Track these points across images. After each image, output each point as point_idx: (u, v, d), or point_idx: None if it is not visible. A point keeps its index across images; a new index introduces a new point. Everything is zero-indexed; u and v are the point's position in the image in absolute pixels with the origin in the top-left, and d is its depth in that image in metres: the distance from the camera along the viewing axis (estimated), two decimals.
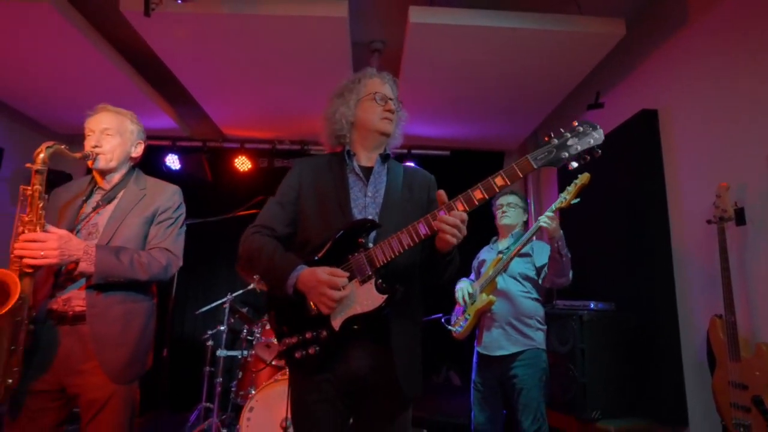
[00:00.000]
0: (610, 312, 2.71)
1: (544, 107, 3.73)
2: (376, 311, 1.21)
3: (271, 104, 3.88)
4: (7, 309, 1.27)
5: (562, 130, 1.19)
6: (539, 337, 2.33)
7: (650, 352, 2.65)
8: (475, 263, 2.63)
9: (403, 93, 3.48)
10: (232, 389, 3.40)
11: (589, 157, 1.18)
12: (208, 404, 3.45)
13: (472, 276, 2.60)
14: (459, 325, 2.47)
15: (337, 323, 1.23)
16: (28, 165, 1.41)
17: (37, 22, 2.65)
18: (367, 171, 1.44)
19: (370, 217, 1.34)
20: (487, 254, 2.58)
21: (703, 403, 2.30)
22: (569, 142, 1.17)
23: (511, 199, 2.54)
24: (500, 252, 2.45)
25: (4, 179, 4.02)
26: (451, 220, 1.16)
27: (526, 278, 2.40)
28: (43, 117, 4.13)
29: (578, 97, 3.67)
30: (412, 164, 4.60)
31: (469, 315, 2.41)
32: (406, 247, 1.21)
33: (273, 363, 3.00)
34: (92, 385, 1.47)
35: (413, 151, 4.56)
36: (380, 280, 1.23)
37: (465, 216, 1.19)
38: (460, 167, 4.47)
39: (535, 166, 1.17)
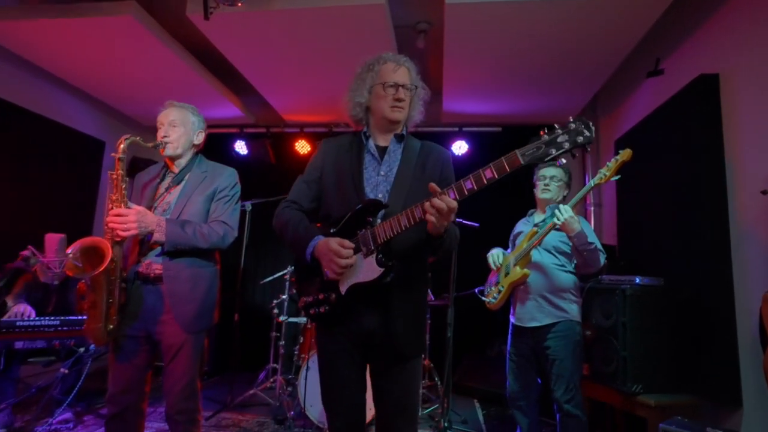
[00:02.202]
0: (657, 287, 2.64)
1: (597, 77, 3.58)
2: (375, 281, 1.38)
3: (325, 90, 4.11)
4: (102, 269, 1.61)
5: (556, 126, 1.22)
6: (573, 310, 2.35)
7: (702, 328, 2.56)
8: (511, 236, 2.67)
9: (450, 71, 3.62)
10: (295, 352, 3.77)
11: (576, 155, 1.22)
12: (274, 365, 3.87)
13: (509, 250, 2.65)
14: (492, 297, 2.53)
15: (343, 288, 1.42)
16: (112, 154, 1.75)
17: (121, 32, 3.10)
18: (383, 150, 1.56)
19: (380, 195, 1.49)
20: (523, 226, 2.60)
21: (759, 382, 2.21)
22: (559, 139, 1.21)
23: (555, 172, 2.48)
24: (536, 225, 2.48)
25: (107, 169, 4.69)
26: (438, 204, 1.24)
27: (562, 252, 2.40)
28: (133, 112, 4.74)
29: (636, 64, 3.49)
30: (463, 141, 4.57)
31: (502, 287, 2.48)
32: (404, 228, 1.34)
33: None
34: (170, 333, 1.80)
35: (464, 129, 4.58)
36: (380, 255, 1.39)
37: (453, 204, 1.25)
38: (512, 143, 4.40)
39: (522, 162, 1.21)
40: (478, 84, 3.85)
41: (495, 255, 2.54)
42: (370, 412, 1.63)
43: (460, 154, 4.53)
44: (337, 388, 1.50)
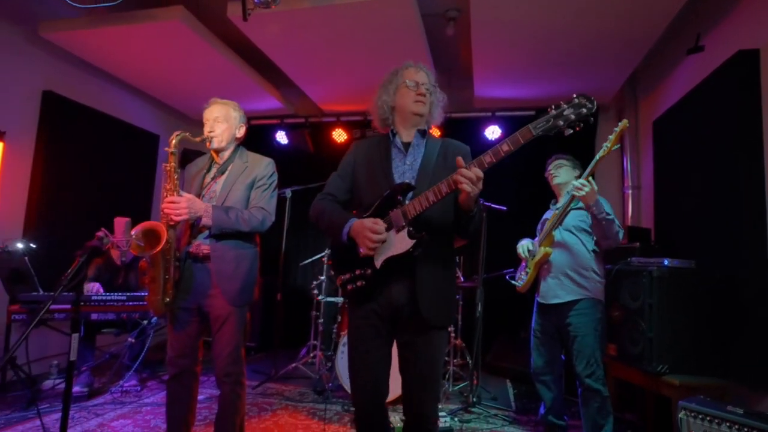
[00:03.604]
0: (687, 269, 2.62)
1: (631, 56, 3.49)
2: (407, 253, 1.53)
3: (359, 80, 4.25)
4: (160, 248, 1.86)
5: (561, 102, 1.36)
6: (595, 288, 2.40)
7: (734, 311, 2.52)
8: (539, 226, 2.74)
9: (479, 56, 3.65)
10: (334, 330, 4.01)
11: (582, 124, 1.34)
12: (314, 342, 4.14)
13: (537, 239, 2.72)
14: (521, 279, 2.64)
15: (378, 263, 1.57)
16: (165, 149, 1.98)
17: (171, 35, 3.39)
18: (407, 145, 1.72)
19: (407, 181, 1.63)
20: (549, 214, 2.68)
21: None
22: (565, 112, 1.35)
23: (557, 162, 2.61)
24: (557, 209, 2.54)
25: (162, 160, 5.12)
26: (467, 173, 1.40)
27: (582, 231, 2.46)
28: (183, 107, 5.11)
29: (676, 41, 3.39)
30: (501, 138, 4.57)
31: (529, 269, 2.57)
32: (431, 203, 1.49)
33: None
34: (217, 306, 2.03)
35: (497, 114, 4.59)
36: (411, 228, 1.53)
37: (480, 173, 1.41)
38: None
39: (534, 133, 1.36)
40: (509, 68, 3.85)
41: (524, 246, 2.64)
42: (391, 394, 1.74)
43: (493, 139, 4.56)
44: (363, 361, 1.64)
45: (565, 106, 1.36)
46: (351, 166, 1.77)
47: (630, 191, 4.16)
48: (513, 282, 2.75)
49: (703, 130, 2.97)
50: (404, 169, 1.67)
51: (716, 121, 2.81)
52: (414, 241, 1.52)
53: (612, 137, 2.24)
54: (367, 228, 1.53)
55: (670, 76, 3.62)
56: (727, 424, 1.89)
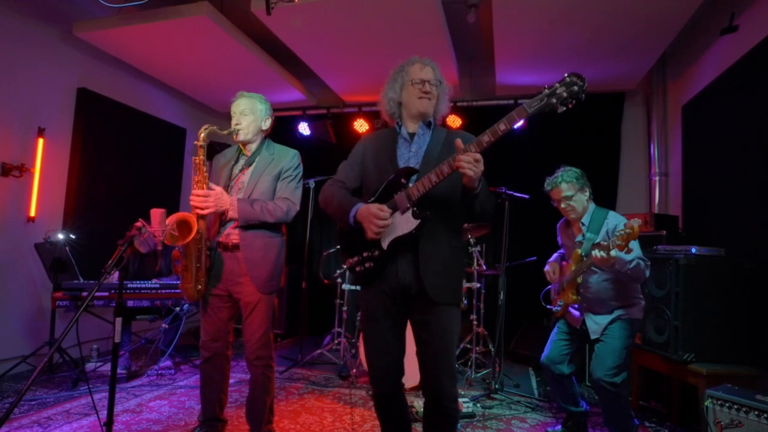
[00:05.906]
0: (716, 257, 2.57)
1: (661, 38, 3.38)
2: (412, 232, 1.58)
3: (380, 70, 4.16)
4: (191, 238, 1.95)
5: (555, 83, 1.41)
6: (633, 309, 2.27)
7: (764, 299, 2.47)
8: (558, 237, 2.60)
9: (501, 43, 3.61)
10: (357, 318, 4.09)
11: (574, 101, 1.39)
12: (339, 329, 4.23)
13: (555, 256, 2.63)
14: (557, 305, 2.53)
15: (385, 244, 1.63)
16: (195, 142, 2.06)
17: (198, 30, 3.47)
18: (413, 135, 1.76)
19: (410, 165, 1.68)
20: (566, 238, 2.52)
21: None
22: (558, 90, 1.40)
23: (564, 189, 2.34)
24: (579, 241, 2.36)
25: (189, 152, 5.27)
26: (468, 157, 1.45)
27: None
28: (209, 101, 5.23)
29: (710, 21, 3.27)
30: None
31: (561, 302, 2.47)
32: (434, 183, 1.54)
33: None
34: (247, 293, 2.12)
35: (520, 101, 4.53)
36: (415, 209, 1.58)
37: (478, 156, 1.47)
38: (570, 113, 4.29)
39: (529, 111, 1.43)
40: (531, 55, 3.80)
41: (551, 270, 2.54)
42: (413, 381, 1.76)
43: (516, 127, 4.50)
44: (377, 342, 1.70)
45: (557, 84, 1.41)
46: (360, 155, 1.84)
47: (657, 178, 4.07)
48: (549, 307, 2.67)
49: (735, 115, 2.88)
50: (409, 156, 1.72)
51: (749, 105, 2.72)
52: (418, 221, 1.57)
53: (619, 241, 2.00)
54: (372, 213, 1.60)
55: (701, 58, 3.51)
56: (756, 412, 1.86)
